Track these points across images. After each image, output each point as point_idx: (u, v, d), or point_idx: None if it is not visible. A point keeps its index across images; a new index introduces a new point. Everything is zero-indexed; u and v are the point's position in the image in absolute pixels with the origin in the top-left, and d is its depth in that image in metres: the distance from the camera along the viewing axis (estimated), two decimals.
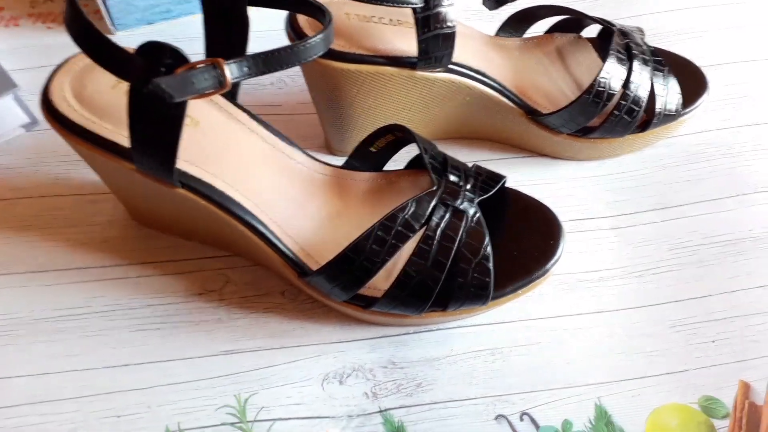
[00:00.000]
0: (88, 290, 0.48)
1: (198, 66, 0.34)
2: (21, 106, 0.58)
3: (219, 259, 0.50)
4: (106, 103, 0.43)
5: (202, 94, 0.34)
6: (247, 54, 0.36)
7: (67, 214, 0.52)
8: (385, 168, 0.51)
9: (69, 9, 0.35)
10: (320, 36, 0.38)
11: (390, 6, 0.43)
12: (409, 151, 0.50)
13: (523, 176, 0.57)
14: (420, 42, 0.46)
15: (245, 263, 0.50)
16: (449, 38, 0.46)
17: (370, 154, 0.50)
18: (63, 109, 0.42)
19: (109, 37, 0.66)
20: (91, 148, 0.41)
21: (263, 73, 0.36)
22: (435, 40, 0.46)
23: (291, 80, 0.63)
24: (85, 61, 0.44)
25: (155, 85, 0.30)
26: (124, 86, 0.43)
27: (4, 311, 0.47)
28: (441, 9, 0.44)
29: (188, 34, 0.67)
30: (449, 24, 0.45)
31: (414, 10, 0.44)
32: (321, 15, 0.41)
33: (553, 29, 0.61)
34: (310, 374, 0.45)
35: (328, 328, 0.47)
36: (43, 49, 0.65)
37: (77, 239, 0.51)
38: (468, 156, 0.58)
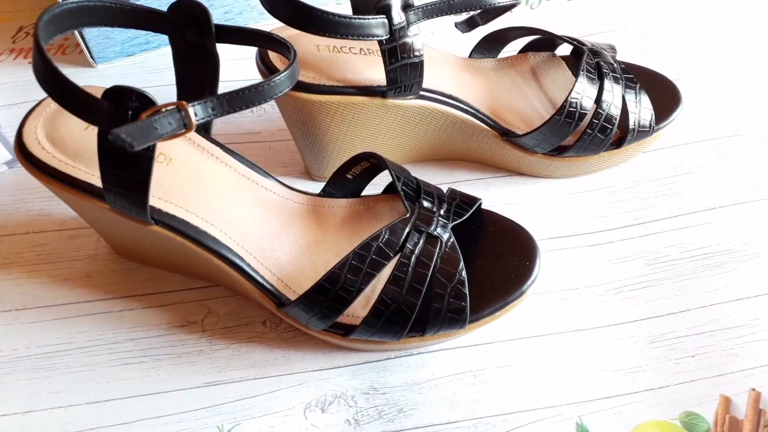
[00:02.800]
0: (72, 326, 0.49)
1: (163, 110, 0.34)
2: (3, 143, 0.58)
3: (200, 290, 0.51)
4: (79, 145, 0.43)
5: (166, 137, 0.35)
6: (214, 94, 0.36)
7: (49, 249, 0.53)
8: (365, 192, 0.51)
9: (36, 55, 0.36)
10: (285, 73, 0.38)
11: (356, 40, 0.43)
12: (387, 175, 0.51)
13: (501, 196, 0.57)
14: (388, 72, 0.46)
15: (226, 293, 0.51)
16: (417, 67, 0.47)
17: (347, 181, 0.50)
18: (37, 152, 0.42)
19: (91, 70, 0.67)
20: (66, 189, 0.42)
21: (229, 112, 0.37)
22: (403, 70, 0.47)
23: (270, 107, 0.64)
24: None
25: (115, 136, 0.31)
26: (96, 128, 0.44)
27: None
28: (407, 39, 0.45)
29: (168, 65, 0.66)
30: (417, 53, 0.46)
31: (380, 42, 0.45)
32: (286, 51, 0.42)
33: (526, 48, 0.61)
34: (292, 403, 0.46)
35: (309, 356, 0.48)
36: (24, 85, 0.65)
37: (60, 275, 0.51)
38: (446, 177, 0.58)
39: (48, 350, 0.47)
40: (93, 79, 0.66)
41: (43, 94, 0.45)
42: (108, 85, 0.43)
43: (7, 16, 0.73)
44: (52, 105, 0.45)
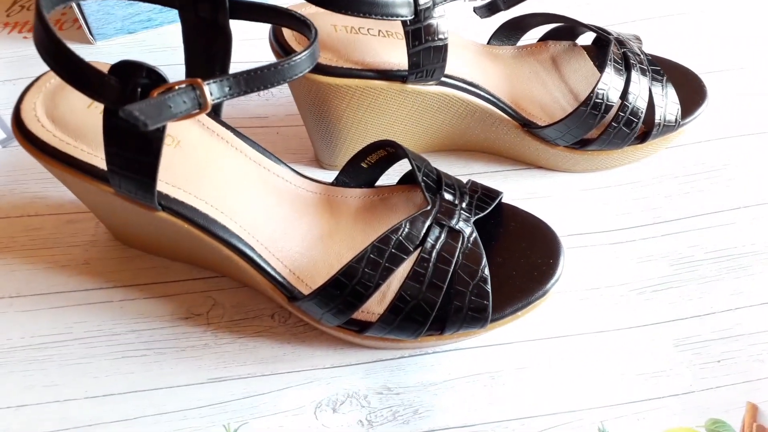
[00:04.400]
0: (69, 315, 0.46)
1: (176, 87, 0.32)
2: None
3: (205, 281, 0.48)
4: (81, 124, 0.41)
5: (180, 117, 0.32)
6: (229, 73, 0.34)
7: (46, 234, 0.50)
8: (378, 182, 0.49)
9: (38, 26, 0.33)
10: (305, 53, 0.36)
11: (379, 19, 0.41)
12: (402, 164, 0.49)
13: (519, 189, 0.55)
14: (411, 55, 0.44)
15: (232, 285, 0.48)
16: (441, 51, 0.44)
17: (361, 170, 0.48)
18: (36, 130, 0.40)
19: (89, 46, 0.64)
20: (67, 170, 0.39)
21: (246, 93, 0.34)
22: (426, 53, 0.44)
23: (278, 90, 0.61)
24: (58, 78, 0.42)
25: (127, 113, 0.29)
26: (100, 105, 0.42)
27: None
28: (432, 21, 0.43)
29: (170, 44, 0.65)
30: (441, 36, 0.44)
31: (404, 22, 0.42)
32: (306, 29, 0.39)
33: (546, 37, 0.59)
34: (302, 402, 0.43)
35: (320, 352, 0.45)
36: (19, 60, 0.63)
37: (57, 261, 0.49)
38: (463, 169, 0.56)
39: (43, 341, 0.45)
40: (91, 56, 0.63)
41: (39, 70, 0.43)
42: (107, 63, 0.41)
43: None
44: (52, 80, 0.42)
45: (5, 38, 0.65)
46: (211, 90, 0.33)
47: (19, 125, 0.40)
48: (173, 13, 0.65)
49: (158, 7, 0.64)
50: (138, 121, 0.29)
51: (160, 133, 0.33)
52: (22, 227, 0.50)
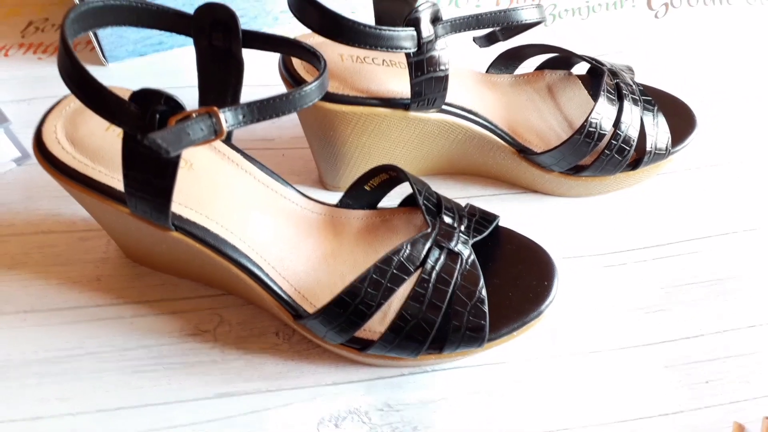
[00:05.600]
0: (81, 330, 0.48)
1: (193, 115, 0.33)
2: (12, 140, 0.57)
3: (212, 298, 0.50)
4: (99, 146, 0.43)
5: (198, 144, 0.34)
6: (243, 102, 0.35)
7: (59, 251, 0.52)
8: (380, 204, 0.51)
9: (62, 53, 0.35)
10: (315, 84, 0.38)
11: (383, 51, 0.43)
12: (403, 188, 0.51)
13: (515, 213, 0.57)
14: (413, 85, 0.46)
15: (238, 302, 0.50)
16: (442, 81, 0.47)
17: (364, 192, 0.50)
18: (56, 151, 0.41)
19: (101, 68, 0.66)
20: (85, 191, 0.41)
21: (258, 120, 0.36)
22: (428, 83, 0.46)
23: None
24: (77, 101, 0.44)
25: (151, 141, 0.30)
26: (118, 129, 0.44)
27: None
28: (434, 53, 0.45)
29: (180, 66, 0.67)
30: (443, 67, 0.46)
31: (407, 54, 0.44)
32: (316, 60, 0.41)
33: (542, 66, 0.61)
34: (305, 417, 0.45)
35: (323, 369, 0.47)
36: (33, 81, 0.65)
37: (69, 277, 0.50)
38: (461, 192, 0.58)
39: (57, 355, 0.46)
40: (103, 78, 0.64)
41: (52, 91, 0.45)
42: (118, 85, 0.43)
43: (16, 10, 0.72)
44: (72, 104, 0.44)
45: (20, 59, 0.67)
46: (226, 117, 0.35)
47: (40, 146, 0.42)
48: (182, 37, 0.66)
49: None
50: (161, 149, 0.31)
51: (177, 157, 0.35)
52: (36, 244, 0.52)
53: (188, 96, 0.45)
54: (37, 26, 0.71)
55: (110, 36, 0.64)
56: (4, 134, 0.57)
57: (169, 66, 0.67)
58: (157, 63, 0.67)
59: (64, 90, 0.36)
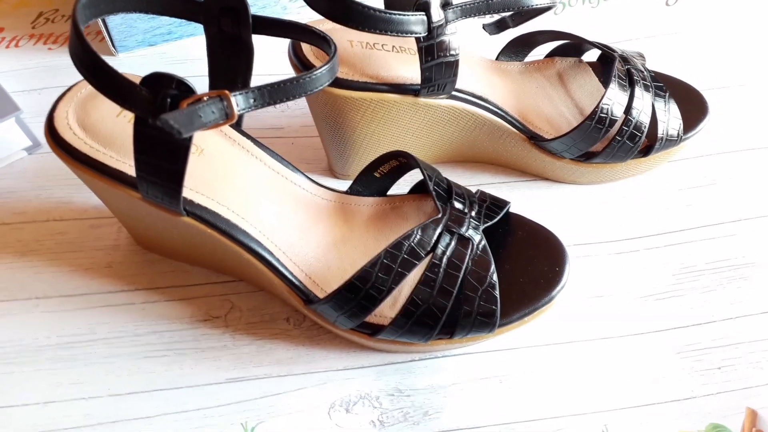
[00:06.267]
0: (93, 316, 0.48)
1: (205, 98, 0.34)
2: (23, 129, 0.58)
3: (223, 285, 0.50)
4: (111, 131, 0.43)
5: (209, 126, 0.34)
6: (253, 86, 0.35)
7: (70, 238, 0.52)
8: (389, 191, 0.51)
9: (73, 38, 0.35)
10: (326, 67, 0.38)
11: (394, 35, 0.43)
12: (413, 174, 0.50)
13: (525, 200, 0.57)
14: (423, 70, 0.46)
15: (249, 288, 0.50)
16: (453, 66, 0.46)
17: (374, 179, 0.50)
18: (68, 137, 0.42)
19: (111, 58, 0.66)
20: (97, 176, 0.41)
21: (269, 104, 0.36)
22: (438, 68, 0.46)
23: (293, 103, 0.63)
24: (88, 87, 0.44)
25: (164, 122, 0.30)
26: (129, 114, 0.44)
27: (8, 338, 0.47)
28: (444, 38, 0.45)
29: (190, 56, 0.67)
30: (453, 52, 0.46)
31: (418, 39, 0.44)
32: (326, 45, 0.41)
33: (553, 53, 0.61)
34: (316, 402, 0.45)
35: (334, 354, 0.47)
36: (44, 71, 0.65)
37: (81, 264, 0.51)
38: (471, 179, 0.58)
39: (69, 340, 0.47)
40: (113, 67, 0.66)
41: (63, 80, 0.45)
42: (128, 74, 0.43)
43: (26, 1, 0.72)
44: (83, 90, 0.44)
45: (31, 49, 0.67)
46: (237, 101, 0.35)
47: (52, 133, 0.42)
48: (192, 27, 0.67)
49: (179, 20, 0.66)
50: (173, 129, 0.31)
51: (188, 141, 0.35)
52: (48, 231, 0.52)
53: (198, 86, 0.45)
54: (47, 17, 0.71)
55: (120, 26, 0.65)
56: (16, 123, 0.57)
57: (179, 56, 0.67)
58: (166, 53, 0.67)
59: (75, 80, 0.37)
